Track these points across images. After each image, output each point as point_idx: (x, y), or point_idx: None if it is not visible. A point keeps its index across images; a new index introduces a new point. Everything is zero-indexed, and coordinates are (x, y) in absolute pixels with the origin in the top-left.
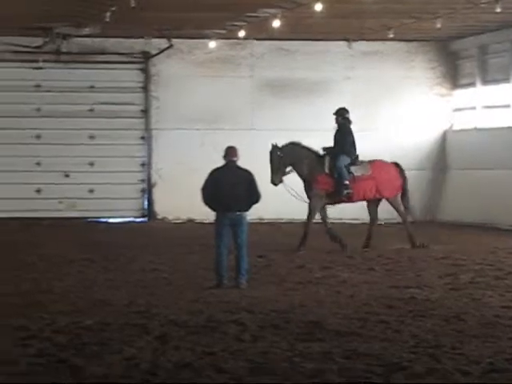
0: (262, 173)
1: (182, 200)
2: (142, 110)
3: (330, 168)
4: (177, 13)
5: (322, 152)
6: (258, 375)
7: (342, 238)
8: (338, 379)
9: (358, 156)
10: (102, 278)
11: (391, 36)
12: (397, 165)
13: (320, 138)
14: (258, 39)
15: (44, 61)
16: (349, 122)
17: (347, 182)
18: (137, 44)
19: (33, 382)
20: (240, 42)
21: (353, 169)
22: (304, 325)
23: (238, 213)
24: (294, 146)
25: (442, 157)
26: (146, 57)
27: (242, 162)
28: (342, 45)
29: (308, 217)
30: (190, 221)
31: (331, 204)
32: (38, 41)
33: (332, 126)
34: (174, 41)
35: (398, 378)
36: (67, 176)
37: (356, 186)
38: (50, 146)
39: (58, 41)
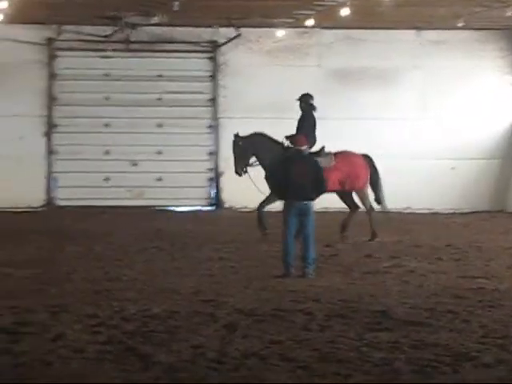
0: None
1: (250, 189)
2: (210, 99)
3: None
4: (245, 1)
5: (285, 142)
6: (326, 364)
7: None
8: (406, 369)
9: (323, 147)
10: (170, 266)
11: (461, 25)
12: (365, 156)
13: (388, 126)
14: (325, 28)
15: (113, 50)
16: (313, 108)
17: None
18: (205, 33)
19: (101, 369)
20: (308, 31)
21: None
22: (371, 314)
23: (305, 202)
24: (256, 136)
25: None
26: (214, 46)
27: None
28: (410, 33)
29: (261, 203)
30: None
31: None
32: (107, 30)
33: (404, 114)
34: (242, 30)
35: (466, 368)
36: (135, 165)
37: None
38: (119, 135)
39: (126, 30)
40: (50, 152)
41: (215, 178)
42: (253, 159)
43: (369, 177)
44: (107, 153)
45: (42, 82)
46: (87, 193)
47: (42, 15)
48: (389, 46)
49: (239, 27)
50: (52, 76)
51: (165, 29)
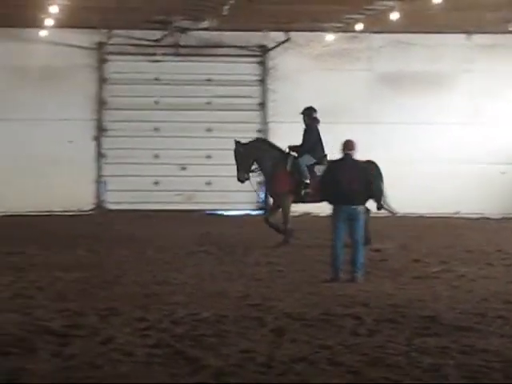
0: (380, 166)
1: None
2: (259, 104)
3: (292, 167)
4: (295, 6)
5: (287, 150)
6: (375, 369)
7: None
8: (455, 374)
9: (326, 155)
10: (219, 270)
11: (511, 29)
12: (369, 162)
13: (438, 131)
14: (375, 32)
15: (163, 54)
16: (316, 121)
17: (308, 182)
18: (254, 37)
19: (150, 372)
20: (357, 35)
21: (316, 168)
22: (420, 319)
23: (354, 206)
24: (258, 143)
25: None
26: (264, 50)
27: (359, 156)
28: (461, 38)
29: (284, 217)
30: (306, 214)
31: (295, 203)
32: (157, 34)
33: (455, 118)
34: (292, 34)
35: None
36: (184, 169)
37: (316, 185)
38: (168, 139)
39: (176, 34)
40: (100, 156)
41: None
42: (255, 165)
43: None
44: (156, 157)
45: (92, 86)
46: (136, 196)
47: (92, 20)
48: (439, 50)
49: (289, 31)
50: (102, 80)
51: (214, 33)
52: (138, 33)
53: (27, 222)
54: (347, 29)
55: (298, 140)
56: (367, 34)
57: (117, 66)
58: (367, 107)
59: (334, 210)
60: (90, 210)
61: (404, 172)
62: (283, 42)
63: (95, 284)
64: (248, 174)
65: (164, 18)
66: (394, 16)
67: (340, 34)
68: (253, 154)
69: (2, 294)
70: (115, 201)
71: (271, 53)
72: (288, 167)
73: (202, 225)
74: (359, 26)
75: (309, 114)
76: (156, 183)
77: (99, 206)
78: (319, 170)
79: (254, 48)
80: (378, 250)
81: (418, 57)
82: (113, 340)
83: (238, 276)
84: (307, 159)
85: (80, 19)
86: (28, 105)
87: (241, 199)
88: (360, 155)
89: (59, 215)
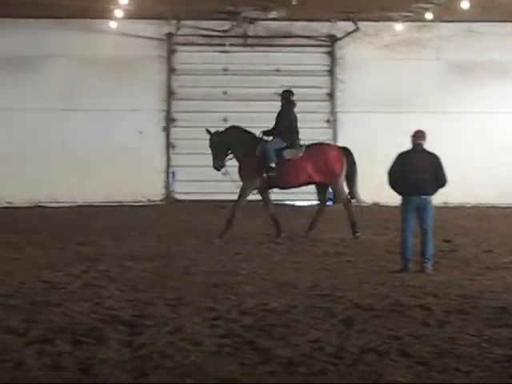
0: (448, 156)
1: (367, 183)
2: (328, 94)
3: (260, 151)
4: None
5: (260, 135)
6: (445, 360)
7: (280, 225)
8: None
9: (297, 140)
10: (287, 260)
11: None
12: (343, 149)
13: (506, 120)
14: (445, 21)
15: (231, 44)
16: (293, 105)
17: (272, 165)
18: (323, 27)
19: (220, 362)
20: (427, 24)
21: (285, 152)
22: (491, 310)
23: (423, 197)
24: (232, 130)
25: None
26: (332, 40)
27: (428, 146)
28: None
29: (237, 199)
30: (376, 204)
31: (267, 188)
32: (226, 25)
33: None
34: (360, 24)
35: None
36: None
37: (285, 169)
38: None
39: (244, 25)
40: (169, 146)
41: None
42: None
43: (343, 170)
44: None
45: (161, 76)
46: (205, 187)
47: (161, 10)
48: (509, 38)
49: (357, 21)
50: (171, 71)
51: (282, 23)
52: (206, 23)
53: (97, 212)
54: (416, 18)
55: (366, 130)
56: (436, 23)
57: (185, 57)
58: (435, 97)
59: (404, 200)
60: (160, 201)
61: (473, 162)
62: (352, 32)
63: (164, 274)
64: (223, 161)
65: (232, 8)
66: (465, 5)
67: (409, 23)
68: (226, 142)
69: (74, 284)
70: (184, 191)
71: (340, 43)
72: (257, 152)
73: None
74: (428, 15)
75: (285, 97)
76: (225, 173)
77: (168, 196)
78: (289, 153)
79: (323, 38)
80: (447, 241)
81: (487, 46)
82: (182, 330)
83: (307, 266)
84: (277, 143)
85: (149, 10)
86: (97, 95)
87: (309, 190)
88: (428, 145)
89: (129, 205)
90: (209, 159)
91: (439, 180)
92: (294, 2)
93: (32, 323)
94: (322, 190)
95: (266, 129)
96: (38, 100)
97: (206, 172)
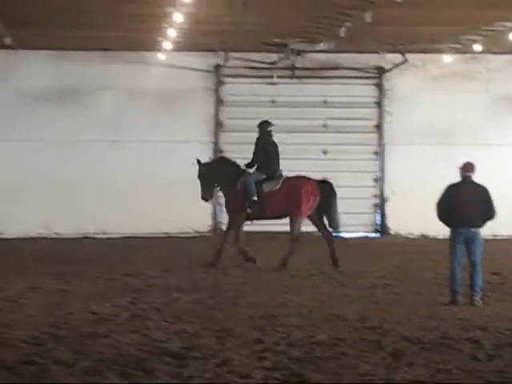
0: (497, 188)
1: (415, 215)
2: (375, 125)
3: (241, 184)
4: (411, 27)
5: (243, 167)
6: None
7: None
8: None
9: (277, 171)
10: (336, 292)
11: None
12: (321, 182)
13: None
14: (493, 53)
15: (278, 76)
16: (269, 135)
17: (254, 199)
18: (371, 59)
19: None
20: (475, 56)
21: (264, 184)
22: None
23: (472, 229)
24: (218, 162)
25: None
26: (380, 72)
27: (476, 178)
28: None
29: (224, 232)
30: (423, 236)
31: (249, 220)
32: (273, 57)
33: None
34: (408, 55)
35: None
36: None
37: (265, 202)
38: (284, 161)
39: (292, 56)
40: None
41: (380, 205)
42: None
43: (314, 204)
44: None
45: (209, 108)
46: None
47: (209, 42)
48: None
49: (405, 53)
50: (219, 102)
51: (330, 55)
52: (254, 55)
53: (145, 243)
54: (464, 50)
55: (414, 162)
56: (485, 55)
57: (233, 89)
58: (484, 129)
59: (452, 232)
60: (207, 232)
61: None
62: (400, 64)
63: (212, 305)
64: (211, 192)
65: (280, 40)
66: None
67: (457, 55)
68: (214, 173)
69: (121, 315)
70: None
71: (387, 74)
72: (238, 186)
73: (319, 247)
74: (477, 47)
75: (262, 127)
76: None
77: (215, 227)
78: (268, 186)
79: (371, 70)
80: (496, 273)
81: None
82: (229, 362)
83: (355, 298)
84: (256, 176)
85: (197, 42)
86: (146, 127)
87: (357, 221)
88: (477, 178)
89: (176, 237)
90: None
91: (488, 212)
92: (342, 34)
93: (80, 354)
94: (318, 222)
95: (248, 162)
96: (87, 132)
97: None
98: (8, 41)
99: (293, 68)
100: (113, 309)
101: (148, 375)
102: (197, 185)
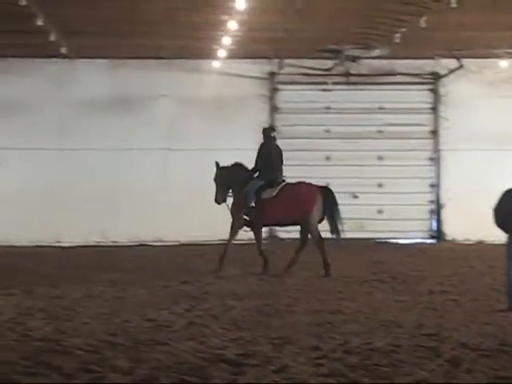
0: None
1: (472, 221)
2: (431, 131)
3: (245, 191)
4: (467, 32)
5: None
6: None
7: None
8: None
9: (277, 177)
10: (392, 299)
11: None
12: (321, 188)
13: None
14: None
15: (333, 83)
16: (273, 140)
17: (252, 205)
18: (426, 65)
19: None
20: None
21: (263, 191)
22: None
23: None
24: (233, 167)
25: None
26: (436, 77)
27: None
28: None
29: (228, 240)
30: (480, 242)
31: (249, 227)
32: (328, 63)
33: None
34: (464, 61)
35: None
36: (356, 197)
37: (263, 208)
38: (339, 167)
39: (347, 63)
40: None
41: (436, 211)
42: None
43: (315, 208)
44: (328, 185)
45: (264, 115)
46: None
47: (264, 50)
48: None
49: (461, 58)
50: (274, 109)
51: (385, 61)
52: (308, 62)
53: (201, 250)
54: None
55: (470, 168)
56: None
57: (288, 95)
58: None
59: (509, 238)
60: (263, 239)
61: None
62: (455, 69)
63: (268, 312)
64: (225, 197)
65: (335, 46)
66: None
67: None
68: (228, 178)
69: (178, 323)
70: (287, 229)
71: (443, 80)
72: (244, 191)
73: (374, 253)
74: None
75: (265, 134)
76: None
77: (271, 234)
78: (266, 193)
79: (426, 75)
80: None
81: None
82: (286, 369)
83: (412, 305)
84: (256, 182)
85: (252, 50)
86: (201, 135)
87: (413, 228)
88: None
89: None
90: None
91: None
92: (396, 40)
93: (138, 362)
94: (302, 228)
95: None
96: (143, 140)
97: None
98: (64, 50)
99: (348, 74)
100: (169, 316)
101: (205, 382)
102: None
